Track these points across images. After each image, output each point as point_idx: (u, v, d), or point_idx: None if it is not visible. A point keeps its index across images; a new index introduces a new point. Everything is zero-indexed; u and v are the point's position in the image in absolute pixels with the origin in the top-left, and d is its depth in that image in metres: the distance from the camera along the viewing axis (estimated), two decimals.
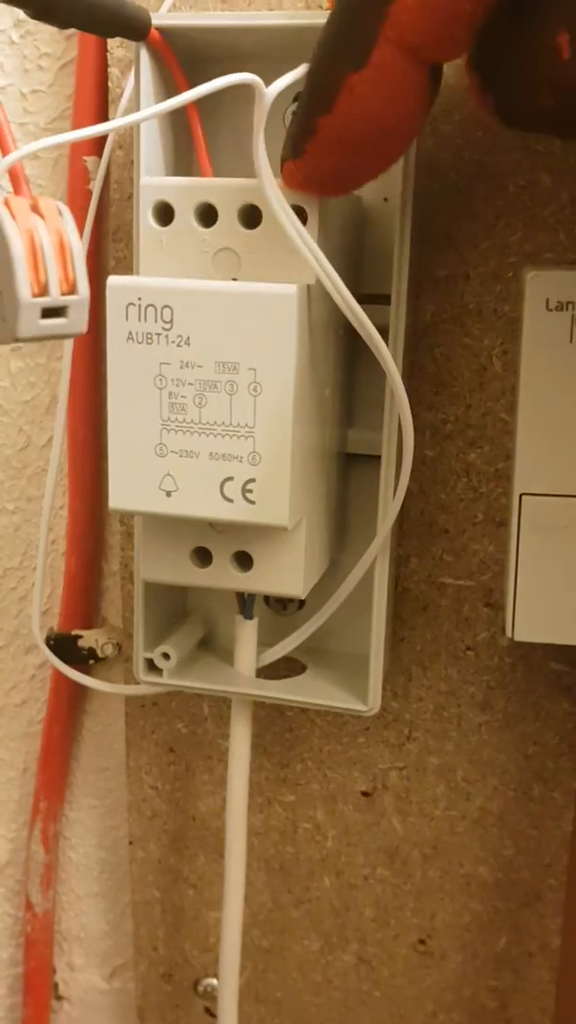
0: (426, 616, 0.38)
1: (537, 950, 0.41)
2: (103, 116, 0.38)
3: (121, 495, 0.30)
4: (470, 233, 0.35)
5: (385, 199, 0.34)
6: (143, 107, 0.31)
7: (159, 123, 0.32)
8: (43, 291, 0.24)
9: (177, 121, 0.33)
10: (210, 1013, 0.46)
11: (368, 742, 0.40)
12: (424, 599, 0.38)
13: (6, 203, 0.24)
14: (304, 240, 0.27)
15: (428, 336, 0.36)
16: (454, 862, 0.41)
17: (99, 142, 0.38)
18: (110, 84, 0.37)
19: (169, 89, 0.32)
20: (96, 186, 0.37)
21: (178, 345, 0.28)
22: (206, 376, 0.28)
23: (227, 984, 0.39)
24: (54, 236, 0.24)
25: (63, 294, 0.24)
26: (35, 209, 0.25)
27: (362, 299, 0.35)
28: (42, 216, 0.24)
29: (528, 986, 0.42)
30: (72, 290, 0.25)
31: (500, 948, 0.42)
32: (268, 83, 0.27)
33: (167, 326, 0.28)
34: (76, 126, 0.38)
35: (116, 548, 0.43)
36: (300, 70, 0.27)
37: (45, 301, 0.24)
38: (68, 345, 0.38)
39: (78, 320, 0.25)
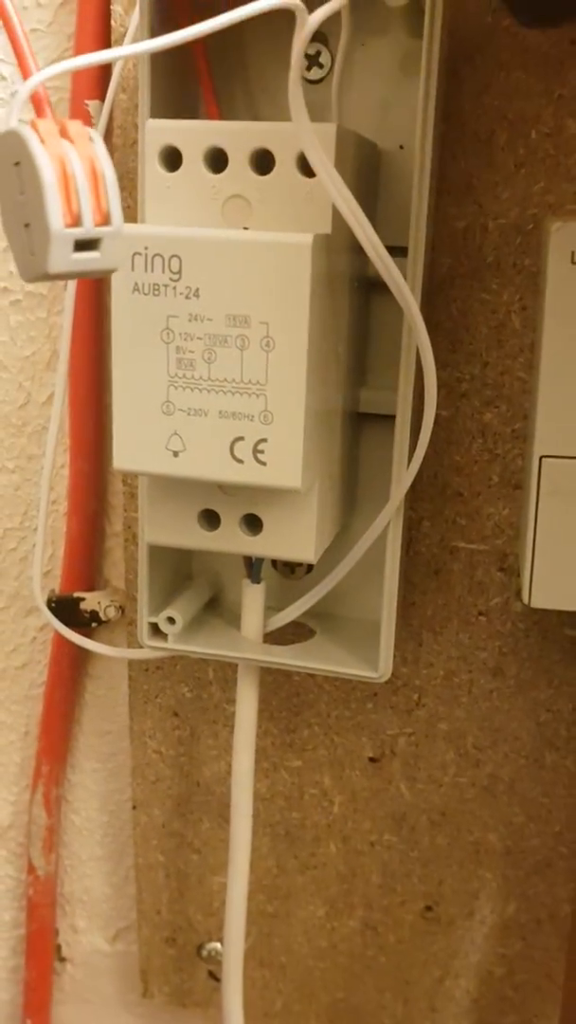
0: (438, 580, 0.37)
1: (546, 918, 0.41)
2: None
3: (126, 455, 0.29)
4: (490, 182, 0.33)
5: (401, 146, 0.33)
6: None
7: (164, 65, 0.31)
8: (76, 222, 0.22)
9: (183, 67, 0.31)
10: (213, 977, 0.46)
11: (376, 708, 0.40)
12: (436, 563, 0.37)
13: (33, 126, 0.22)
14: (335, 183, 0.26)
15: (444, 290, 0.35)
16: (463, 829, 0.40)
17: (102, 85, 0.36)
18: (113, 23, 0.35)
19: (173, 26, 0.31)
20: (99, 132, 0.36)
21: (186, 297, 0.27)
22: (216, 330, 0.27)
23: (232, 948, 0.39)
24: (86, 163, 0.22)
25: (97, 225, 0.22)
26: (64, 134, 0.22)
27: None
28: (72, 141, 0.22)
29: (536, 953, 0.42)
30: (106, 221, 0.22)
31: (508, 915, 0.41)
32: (286, 28, 0.25)
33: (175, 277, 0.27)
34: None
35: (119, 508, 0.42)
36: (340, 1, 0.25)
37: (78, 232, 0.22)
38: (69, 298, 0.37)
39: (112, 254, 0.23)
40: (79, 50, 0.36)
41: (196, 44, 0.29)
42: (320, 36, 0.32)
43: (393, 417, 0.32)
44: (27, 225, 0.21)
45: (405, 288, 0.27)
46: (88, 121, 0.36)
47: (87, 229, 0.22)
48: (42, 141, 0.21)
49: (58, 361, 0.38)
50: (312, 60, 0.32)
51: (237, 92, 0.33)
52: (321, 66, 0.32)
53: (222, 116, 0.31)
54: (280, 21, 0.25)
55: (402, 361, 0.31)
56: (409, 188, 0.30)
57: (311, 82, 0.32)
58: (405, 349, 0.31)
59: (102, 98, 0.36)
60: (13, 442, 0.42)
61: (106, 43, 0.36)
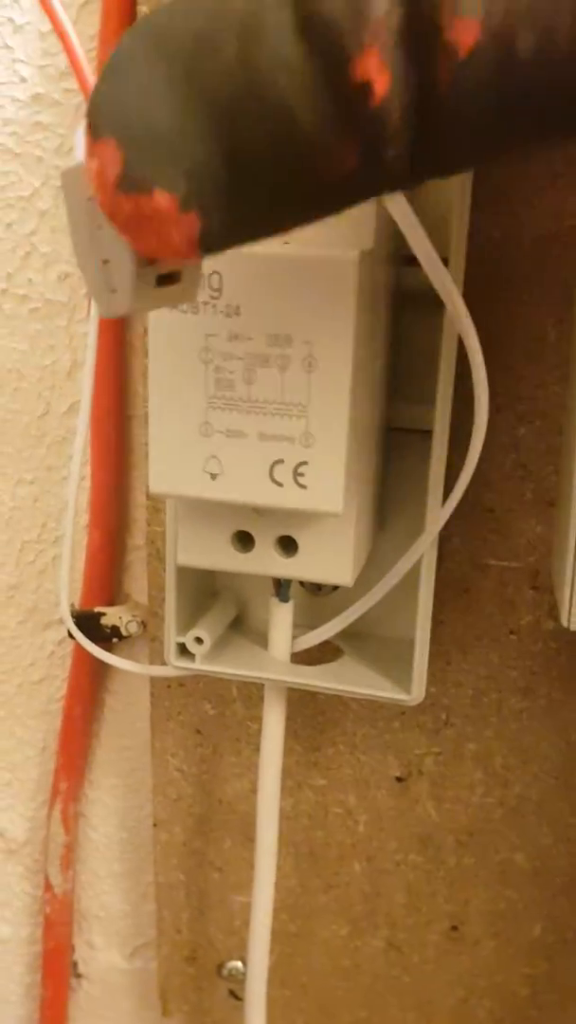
0: (467, 598, 0.37)
1: (573, 938, 0.40)
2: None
3: (162, 478, 0.28)
4: (525, 192, 0.33)
5: None
6: None
7: None
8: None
9: None
10: (234, 996, 0.45)
11: (403, 727, 0.39)
12: (466, 581, 0.36)
13: None
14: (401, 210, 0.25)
15: (479, 303, 0.34)
16: (489, 849, 0.40)
17: None
18: None
19: None
20: None
21: (227, 315, 0.26)
22: (256, 349, 0.26)
23: (256, 968, 0.38)
24: None
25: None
26: None
27: (408, 261, 0.32)
28: None
29: (561, 974, 0.41)
30: None
31: (535, 936, 0.41)
32: None
33: (215, 294, 0.26)
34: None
35: (140, 522, 0.41)
36: None
37: (159, 267, 0.20)
38: (95, 308, 0.36)
39: (192, 284, 0.21)
40: (103, 51, 0.35)
41: None
42: None
43: (422, 431, 0.31)
44: (106, 262, 0.20)
45: (463, 310, 0.26)
46: None
47: (168, 262, 0.21)
48: None
49: (80, 371, 0.37)
50: None
51: None
52: None
53: None
54: None
55: (440, 375, 0.30)
56: (446, 198, 0.29)
57: None
58: (444, 364, 0.30)
59: None
60: (32, 453, 0.42)
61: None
